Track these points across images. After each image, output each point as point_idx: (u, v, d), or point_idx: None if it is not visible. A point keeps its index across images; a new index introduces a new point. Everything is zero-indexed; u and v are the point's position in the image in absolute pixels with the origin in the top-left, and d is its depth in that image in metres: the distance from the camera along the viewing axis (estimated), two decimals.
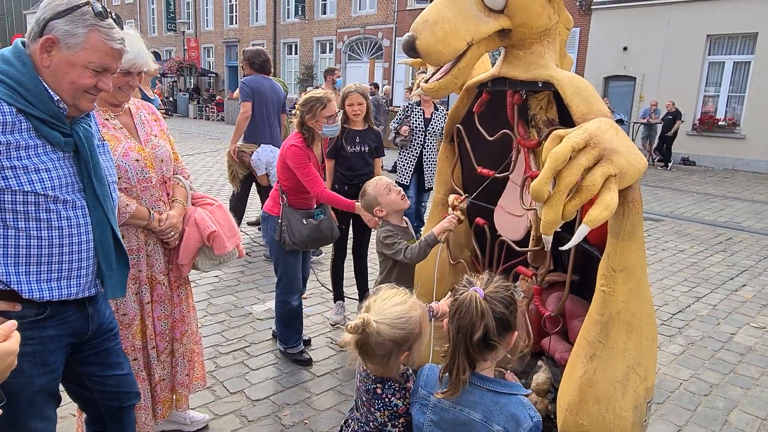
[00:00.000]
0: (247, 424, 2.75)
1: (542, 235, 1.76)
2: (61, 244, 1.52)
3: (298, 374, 3.26)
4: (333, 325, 3.96)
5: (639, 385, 1.88)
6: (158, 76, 30.03)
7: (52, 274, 1.53)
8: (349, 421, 1.83)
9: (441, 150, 3.13)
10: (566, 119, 2.36)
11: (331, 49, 24.59)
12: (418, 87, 3.40)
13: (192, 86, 29.65)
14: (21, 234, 1.47)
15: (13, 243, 1.47)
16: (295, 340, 3.41)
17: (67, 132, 1.53)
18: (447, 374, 1.48)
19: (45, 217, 1.48)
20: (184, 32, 29.26)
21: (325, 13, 24.87)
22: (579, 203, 1.68)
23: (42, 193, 1.46)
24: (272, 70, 5.74)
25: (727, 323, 4.34)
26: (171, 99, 27.24)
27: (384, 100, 15.70)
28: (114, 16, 1.55)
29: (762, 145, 13.99)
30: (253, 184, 5.73)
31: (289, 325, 3.38)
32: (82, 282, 1.60)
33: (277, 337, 3.51)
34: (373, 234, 3.55)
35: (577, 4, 16.63)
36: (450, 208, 2.82)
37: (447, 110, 4.84)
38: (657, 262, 5.94)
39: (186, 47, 29.35)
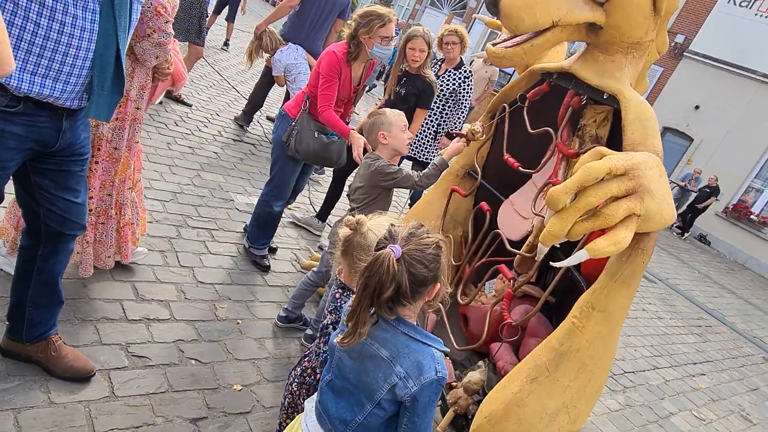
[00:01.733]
0: (182, 299, 2.70)
1: (539, 244, 1.64)
2: (58, 40, 1.40)
3: (251, 275, 3.20)
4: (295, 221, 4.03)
5: (565, 425, 1.81)
6: None
7: (39, 69, 1.41)
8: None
9: (477, 123, 2.97)
10: (615, 143, 2.21)
11: None
12: (482, 50, 3.20)
13: None
14: (19, 12, 1.34)
15: (8, 19, 1.34)
16: (262, 243, 3.34)
17: None
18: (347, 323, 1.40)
19: (50, 4, 1.35)
20: None
21: None
22: (591, 228, 1.56)
23: None
24: None
25: (671, 402, 4.30)
26: None
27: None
28: None
29: None
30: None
31: (262, 227, 3.30)
32: (68, 89, 1.49)
33: (246, 233, 3.44)
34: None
35: (672, 44, 15.91)
36: (469, 132, 2.66)
37: (465, 79, 4.47)
38: (632, 319, 5.87)
39: None
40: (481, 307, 2.65)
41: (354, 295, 1.44)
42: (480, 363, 2.38)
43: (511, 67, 2.26)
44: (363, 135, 2.75)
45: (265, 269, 3.31)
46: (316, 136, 3.08)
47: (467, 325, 2.74)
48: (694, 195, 14.17)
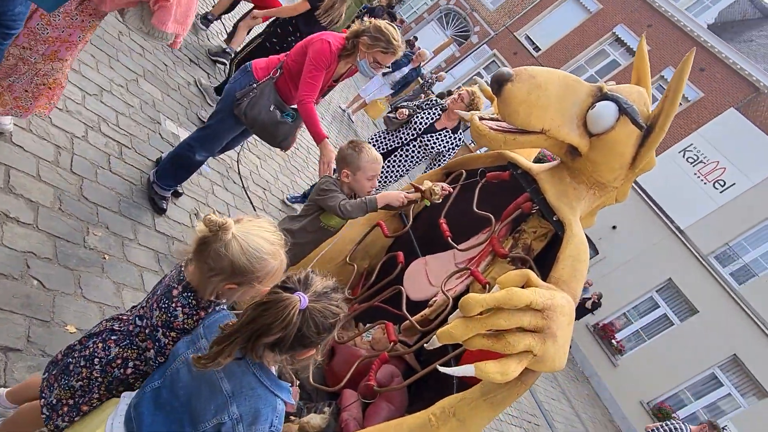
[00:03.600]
0: (56, 209, 2.42)
1: (434, 337, 1.59)
2: None
3: (141, 212, 2.94)
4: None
5: None
6: None
7: None
8: (124, 314, 1.61)
9: (430, 173, 2.92)
10: (544, 260, 2.23)
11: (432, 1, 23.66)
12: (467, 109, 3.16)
13: None
14: None
15: None
16: (168, 185, 3.08)
17: None
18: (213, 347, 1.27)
19: None
20: None
21: None
22: (488, 346, 1.54)
23: None
24: None
25: None
26: None
27: (429, 80, 15.29)
28: None
29: (621, 383, 14.95)
30: None
31: (175, 169, 3.05)
32: None
33: (157, 166, 3.17)
34: None
35: None
36: (418, 187, 2.56)
37: (455, 147, 4.57)
38: None
39: None
40: (352, 349, 2.58)
41: (232, 321, 1.31)
42: (326, 409, 2.31)
43: (485, 147, 2.23)
44: (335, 157, 2.58)
45: (160, 211, 3.06)
46: (271, 109, 2.89)
47: (331, 359, 2.66)
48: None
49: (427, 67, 15.88)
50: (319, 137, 2.83)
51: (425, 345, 1.68)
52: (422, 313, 2.35)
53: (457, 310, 1.57)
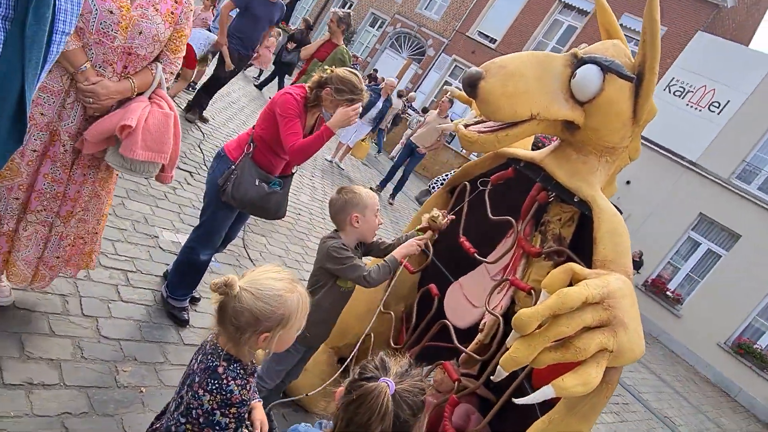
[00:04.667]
0: (78, 359, 2.33)
1: (498, 367, 1.46)
2: None
3: (165, 331, 2.85)
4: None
5: None
6: None
7: None
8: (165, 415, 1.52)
9: (434, 196, 2.82)
10: (579, 244, 2.10)
11: (380, 27, 24.07)
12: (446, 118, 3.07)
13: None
14: None
15: None
16: (183, 294, 3.00)
17: None
18: None
19: None
20: None
21: None
22: (559, 359, 1.40)
23: None
24: None
25: None
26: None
27: (403, 107, 15.37)
28: None
29: (692, 333, 14.43)
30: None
31: (184, 276, 2.96)
32: None
33: (166, 280, 3.09)
34: None
35: None
36: (424, 226, 2.47)
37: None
38: None
39: None
40: None
41: (328, 430, 1.23)
42: None
43: (480, 151, 2.12)
44: (332, 210, 2.46)
45: (183, 323, 2.96)
46: (257, 183, 2.81)
47: None
48: None
49: (394, 95, 15.96)
50: (328, 133, 2.68)
51: (491, 378, 1.54)
52: (476, 339, 2.21)
53: (513, 332, 1.44)
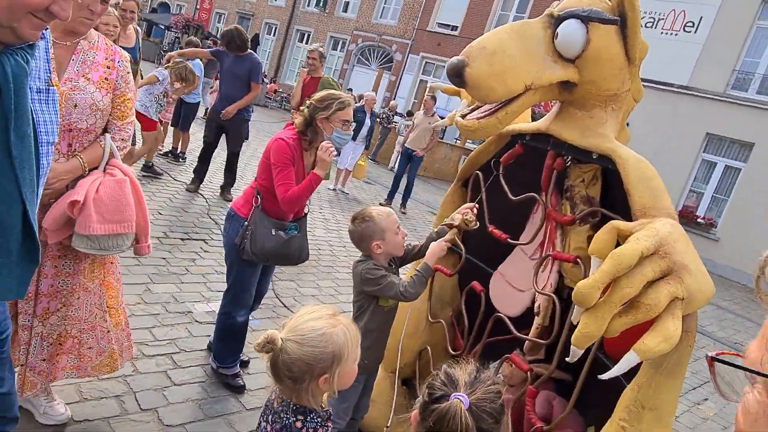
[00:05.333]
0: None
1: (572, 347, 1.39)
2: None
3: (225, 402, 2.81)
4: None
5: None
6: (161, 27, 29.14)
7: None
8: None
9: (449, 193, 2.77)
10: (610, 200, 2.03)
11: (342, 48, 24.23)
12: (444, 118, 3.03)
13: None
14: None
15: None
16: (232, 361, 2.96)
17: None
18: None
19: None
20: None
21: (345, 12, 24.53)
22: (632, 322, 1.33)
23: None
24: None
25: None
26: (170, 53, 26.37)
27: (385, 115, 15.40)
28: None
29: (734, 252, 14.14)
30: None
31: (227, 342, 2.93)
32: None
33: (212, 351, 3.05)
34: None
35: None
36: (450, 222, 2.39)
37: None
38: None
39: (198, 6, 28.56)
40: None
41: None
42: None
43: (484, 137, 2.08)
44: (353, 240, 2.40)
45: (240, 390, 2.92)
46: (273, 233, 2.78)
47: None
48: None
49: (376, 107, 16.01)
50: (316, 180, 2.67)
51: (567, 359, 1.48)
52: (535, 324, 2.14)
53: (576, 307, 1.38)
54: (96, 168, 2.03)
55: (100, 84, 1.97)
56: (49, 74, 1.33)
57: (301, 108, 2.82)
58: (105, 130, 2.07)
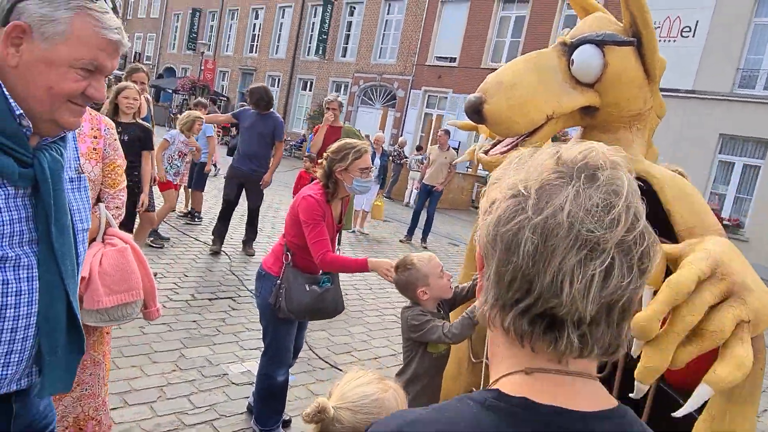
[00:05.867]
0: None
1: (637, 383, 1.32)
2: None
3: None
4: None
5: None
6: (169, 91, 30.01)
7: None
8: None
9: (476, 225, 2.72)
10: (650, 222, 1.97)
11: (345, 91, 24.68)
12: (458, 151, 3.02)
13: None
14: None
15: None
16: (274, 422, 2.89)
17: (27, 160, 1.10)
18: None
19: None
20: (203, 53, 29.37)
21: (344, 56, 25.07)
22: (698, 352, 1.26)
23: None
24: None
25: None
26: (179, 116, 27.08)
27: (396, 153, 15.54)
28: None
29: (765, 250, 13.78)
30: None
31: (268, 403, 2.87)
32: (9, 372, 1.13)
33: (253, 413, 2.99)
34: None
35: None
36: None
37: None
38: None
39: (203, 68, 29.42)
40: None
41: None
42: None
43: None
44: (399, 289, 2.38)
45: None
46: (307, 289, 2.75)
47: None
48: None
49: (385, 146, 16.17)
50: (362, 266, 2.63)
51: (631, 396, 1.40)
52: None
53: (636, 341, 1.31)
54: (94, 240, 2.00)
55: (89, 155, 1.97)
56: (78, 161, 1.34)
57: (320, 161, 2.84)
58: (98, 200, 2.06)
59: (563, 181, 0.63)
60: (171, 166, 6.35)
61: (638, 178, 1.71)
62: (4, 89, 1.05)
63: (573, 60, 1.79)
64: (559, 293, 0.60)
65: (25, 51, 1.05)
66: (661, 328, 1.28)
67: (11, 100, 1.05)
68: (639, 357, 1.37)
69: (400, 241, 9.40)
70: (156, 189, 5.89)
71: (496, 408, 0.63)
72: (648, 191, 1.78)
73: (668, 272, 1.41)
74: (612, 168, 0.65)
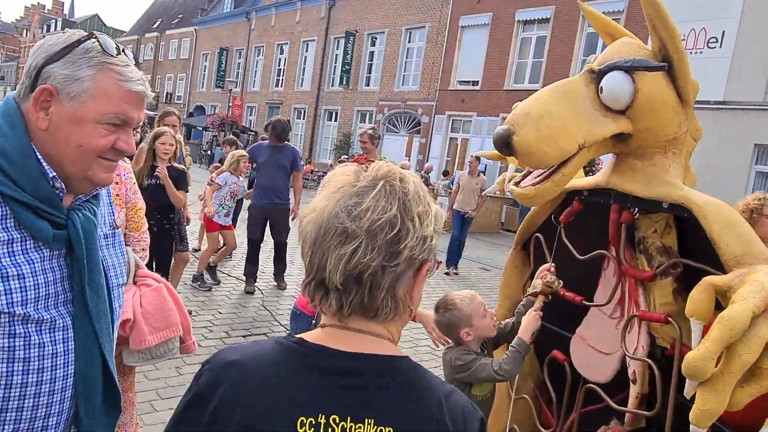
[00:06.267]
0: None
1: (692, 426, 1.24)
2: (23, 383, 1.05)
3: None
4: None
5: None
6: (200, 129, 30.81)
7: (6, 427, 1.06)
8: None
9: (510, 258, 2.67)
10: (687, 248, 1.90)
11: (370, 120, 24.94)
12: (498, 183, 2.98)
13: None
14: None
15: None
16: None
17: (61, 221, 1.11)
18: None
19: (5, 344, 1.03)
20: (231, 90, 30.19)
21: (368, 86, 25.42)
22: (758, 392, 1.18)
23: (5, 310, 1.02)
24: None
25: None
26: (209, 152, 27.71)
27: (423, 179, 15.57)
28: (126, 52, 1.14)
29: None
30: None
31: None
32: None
33: None
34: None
35: None
36: (537, 291, 2.27)
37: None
38: None
39: (231, 104, 30.21)
40: None
41: None
42: None
43: (542, 203, 2.00)
44: (440, 330, 2.31)
45: None
46: None
47: None
48: None
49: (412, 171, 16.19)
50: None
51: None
52: (633, 393, 1.96)
53: (688, 381, 1.24)
54: (125, 284, 2.07)
55: (113, 202, 2.02)
56: (113, 216, 1.35)
57: None
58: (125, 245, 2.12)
59: (343, 189, 0.87)
60: (223, 207, 6.27)
61: (679, 206, 1.65)
62: (38, 153, 1.07)
63: (602, 87, 1.75)
64: (324, 268, 0.83)
65: (54, 113, 1.06)
66: (715, 367, 1.21)
67: (44, 164, 1.07)
68: (693, 397, 1.30)
69: (445, 273, 9.10)
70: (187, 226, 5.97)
71: (286, 345, 0.88)
72: (689, 219, 1.71)
73: (719, 307, 1.34)
74: (386, 179, 0.89)
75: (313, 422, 0.81)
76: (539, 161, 1.74)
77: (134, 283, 2.06)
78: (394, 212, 0.83)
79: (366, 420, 0.81)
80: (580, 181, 2.15)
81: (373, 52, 25.42)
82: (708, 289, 1.33)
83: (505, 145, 1.75)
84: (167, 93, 40.33)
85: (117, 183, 2.09)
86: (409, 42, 23.68)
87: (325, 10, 27.31)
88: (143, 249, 2.17)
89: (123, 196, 2.10)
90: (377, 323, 0.89)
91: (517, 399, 2.51)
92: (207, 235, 6.46)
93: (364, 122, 25.43)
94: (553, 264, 2.24)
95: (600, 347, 2.28)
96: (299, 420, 0.81)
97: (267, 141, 6.34)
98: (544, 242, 2.39)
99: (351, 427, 0.81)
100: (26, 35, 74.01)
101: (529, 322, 2.16)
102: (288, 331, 2.86)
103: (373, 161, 3.92)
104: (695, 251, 1.82)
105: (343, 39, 25.96)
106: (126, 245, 2.11)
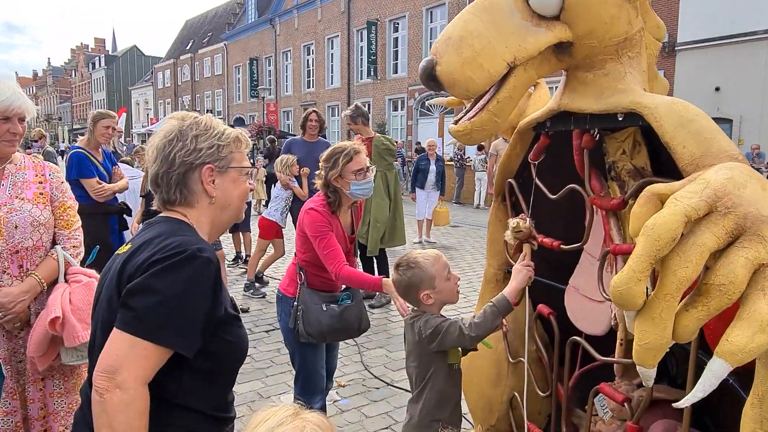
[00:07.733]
0: None
1: (639, 367, 1.01)
2: None
3: None
4: None
5: None
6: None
7: None
8: None
9: (492, 212, 2.43)
10: (664, 167, 1.62)
11: (402, 107, 24.66)
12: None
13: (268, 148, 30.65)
14: None
15: None
16: None
17: None
18: None
19: None
20: (264, 98, 30.59)
21: (396, 72, 25.13)
22: (707, 316, 0.94)
23: None
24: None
25: None
26: (251, 161, 28.18)
27: (458, 156, 15.41)
28: None
29: None
30: None
31: None
32: None
33: None
34: None
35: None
36: (514, 239, 2.03)
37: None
38: None
39: (266, 111, 30.62)
40: None
41: None
42: None
43: (486, 138, 1.77)
44: (398, 291, 2.10)
45: None
46: (324, 308, 2.58)
47: None
48: (766, 171, 12.87)
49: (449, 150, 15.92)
50: (375, 285, 2.45)
51: (645, 384, 1.08)
52: (618, 340, 1.71)
53: (626, 315, 1.01)
54: (56, 281, 2.05)
55: (35, 200, 2.02)
56: None
57: (317, 173, 2.69)
58: (55, 243, 2.10)
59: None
60: (287, 206, 6.07)
61: (630, 114, 1.39)
62: None
63: None
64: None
65: None
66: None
67: None
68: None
69: None
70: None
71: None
72: (648, 128, 1.45)
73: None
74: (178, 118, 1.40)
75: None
76: (467, 89, 1.52)
77: (65, 281, 2.00)
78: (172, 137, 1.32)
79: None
80: (539, 112, 1.90)
81: (396, 38, 25.09)
82: (651, 199, 1.08)
83: (430, 78, 1.55)
84: (207, 110, 41.37)
85: (41, 182, 2.07)
86: (431, 22, 23.20)
87: (345, 4, 27.17)
88: (75, 246, 2.13)
89: (48, 195, 2.08)
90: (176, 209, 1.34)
91: (515, 362, 2.29)
92: (258, 241, 6.27)
93: (397, 111, 25.19)
94: (522, 217, 2.00)
95: (593, 295, 2.02)
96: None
97: (300, 136, 6.16)
98: (518, 189, 2.15)
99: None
100: (75, 75, 77.79)
101: (517, 278, 1.91)
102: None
103: (371, 137, 3.72)
104: (675, 168, 1.55)
105: (365, 30, 25.74)
106: (56, 243, 2.06)
